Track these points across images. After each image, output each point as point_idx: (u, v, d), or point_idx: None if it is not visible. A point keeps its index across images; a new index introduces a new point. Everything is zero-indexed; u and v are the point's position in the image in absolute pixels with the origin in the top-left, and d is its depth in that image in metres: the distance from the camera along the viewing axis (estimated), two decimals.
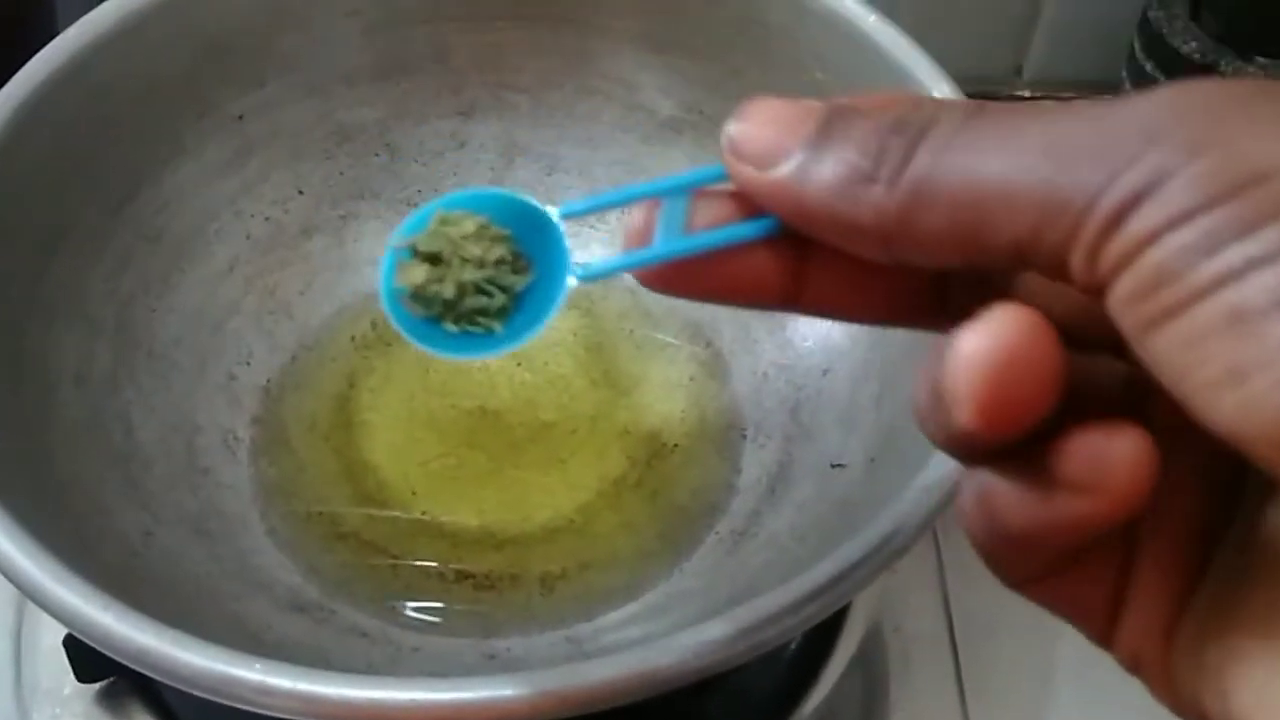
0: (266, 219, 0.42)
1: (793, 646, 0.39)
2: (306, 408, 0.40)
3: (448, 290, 0.21)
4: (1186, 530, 0.18)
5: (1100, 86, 0.55)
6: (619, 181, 0.44)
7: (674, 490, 0.39)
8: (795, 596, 0.26)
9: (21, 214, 0.35)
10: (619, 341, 0.42)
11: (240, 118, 0.41)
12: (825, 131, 0.18)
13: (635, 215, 0.20)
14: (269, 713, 0.26)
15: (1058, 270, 0.16)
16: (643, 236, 0.20)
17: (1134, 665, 0.18)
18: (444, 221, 0.21)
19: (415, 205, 0.44)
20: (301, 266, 0.42)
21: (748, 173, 0.18)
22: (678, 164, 0.43)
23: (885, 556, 0.27)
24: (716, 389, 0.41)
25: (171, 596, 0.32)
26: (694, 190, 0.20)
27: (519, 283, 0.21)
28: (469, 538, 0.38)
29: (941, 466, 0.28)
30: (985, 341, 0.15)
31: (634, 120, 0.43)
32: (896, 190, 0.17)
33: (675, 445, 0.40)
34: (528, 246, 0.21)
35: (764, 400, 0.40)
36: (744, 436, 0.39)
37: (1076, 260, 0.15)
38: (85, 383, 0.36)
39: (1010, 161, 0.16)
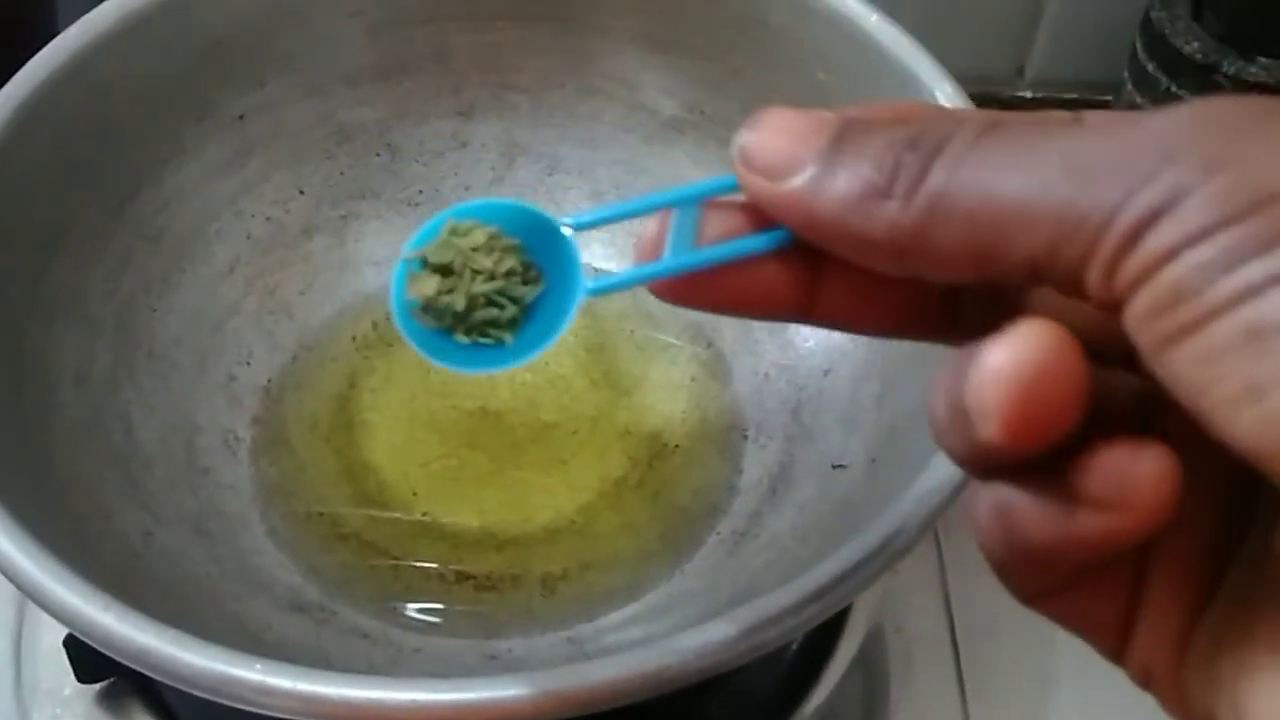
0: (267, 219, 0.42)
1: (794, 647, 0.38)
2: (307, 408, 0.40)
3: (458, 302, 0.21)
4: (1199, 545, 0.18)
5: (1102, 86, 0.55)
6: (620, 181, 0.44)
7: (675, 491, 0.39)
8: (797, 597, 0.26)
9: (21, 214, 0.35)
10: (620, 342, 0.42)
11: (241, 117, 0.41)
12: (838, 144, 0.18)
13: (649, 227, 0.20)
14: (269, 713, 0.25)
15: (1073, 286, 0.16)
16: (656, 248, 0.20)
17: (1145, 680, 0.18)
18: (454, 232, 0.21)
19: (416, 205, 0.44)
20: (302, 266, 0.42)
21: (759, 184, 0.18)
22: (679, 164, 0.43)
23: (887, 557, 0.27)
24: (718, 389, 0.41)
25: (172, 597, 0.32)
26: (704, 201, 0.20)
27: (530, 293, 0.21)
28: (470, 538, 0.38)
29: (943, 468, 0.28)
30: (1013, 356, 0.15)
31: (635, 120, 0.43)
32: (911, 206, 0.17)
33: (676, 446, 0.40)
34: (538, 256, 0.21)
35: (765, 401, 0.40)
36: (745, 437, 0.39)
37: (1093, 277, 0.15)
38: (85, 383, 0.36)
39: (1026, 179, 0.16)
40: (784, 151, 0.18)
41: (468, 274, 0.21)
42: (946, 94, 0.35)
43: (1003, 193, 0.16)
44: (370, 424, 0.40)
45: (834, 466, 0.36)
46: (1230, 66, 0.46)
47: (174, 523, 0.35)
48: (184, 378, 0.39)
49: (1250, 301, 0.14)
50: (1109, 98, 0.53)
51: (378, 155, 0.43)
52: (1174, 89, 0.47)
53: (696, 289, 0.20)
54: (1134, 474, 0.16)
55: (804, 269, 0.19)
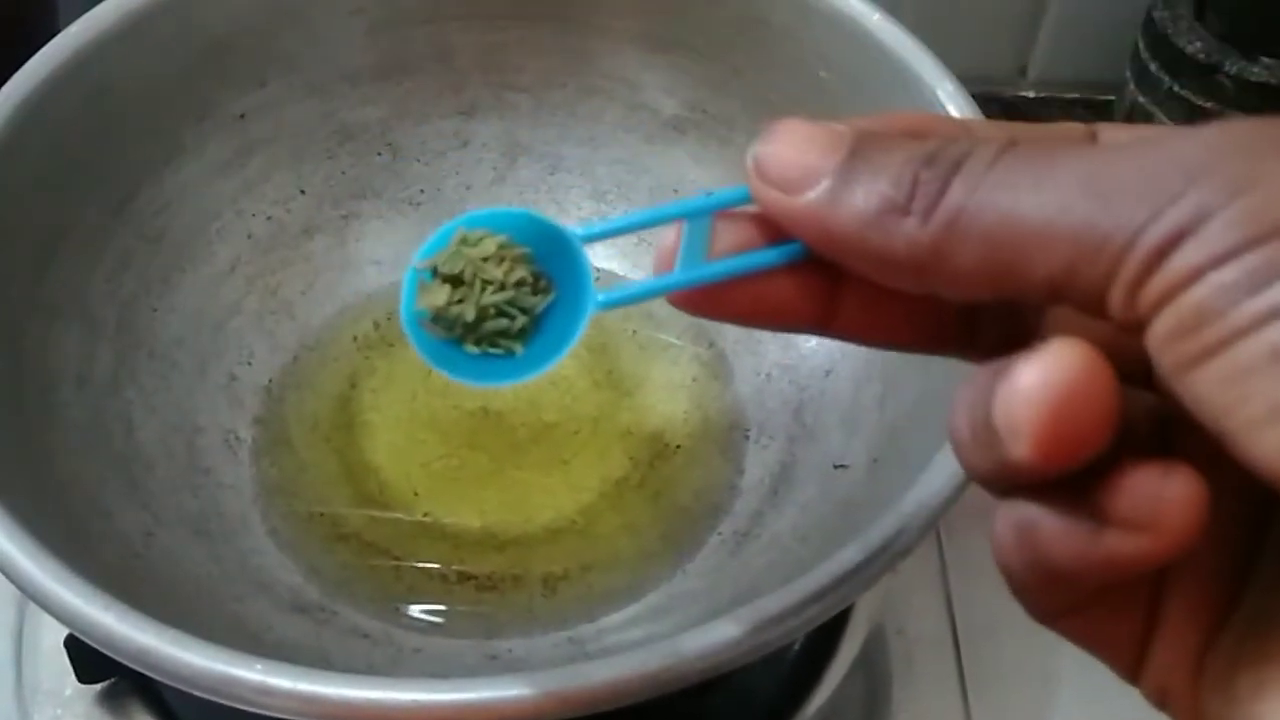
0: (268, 219, 0.42)
1: (796, 647, 0.38)
2: (308, 408, 0.40)
3: (469, 313, 0.21)
4: (1216, 565, 0.18)
5: (1104, 86, 0.55)
6: (622, 181, 0.44)
7: (676, 491, 0.39)
8: (798, 598, 0.26)
9: (22, 214, 0.35)
10: (622, 342, 0.42)
11: (241, 117, 0.41)
12: (854, 158, 0.18)
13: (666, 237, 0.20)
14: (269, 713, 0.25)
15: (1092, 306, 0.16)
16: (671, 260, 0.20)
17: (1161, 700, 0.18)
18: (464, 241, 0.21)
19: (417, 205, 0.44)
20: (303, 266, 0.42)
21: (774, 196, 0.18)
22: (681, 163, 0.43)
23: (888, 558, 0.27)
24: (719, 390, 0.41)
25: (172, 597, 0.32)
26: (717, 212, 0.20)
27: (540, 304, 0.21)
28: (471, 539, 0.38)
29: (944, 468, 0.28)
30: (1044, 375, 0.15)
31: (637, 120, 0.43)
32: (930, 224, 0.17)
33: (678, 446, 0.40)
34: (548, 266, 0.21)
35: (767, 401, 0.40)
36: (747, 437, 0.39)
37: (1115, 297, 0.15)
38: (86, 383, 0.36)
39: (1048, 199, 0.16)
40: (799, 164, 0.18)
41: (478, 284, 0.21)
42: (948, 93, 0.35)
43: (1022, 213, 0.16)
44: (371, 424, 0.40)
45: (836, 467, 0.36)
46: (1232, 66, 0.45)
47: (175, 523, 0.35)
48: (185, 378, 0.39)
49: (1275, 323, 0.14)
50: (1111, 97, 0.53)
51: (379, 155, 0.43)
52: (1176, 88, 0.47)
53: (711, 301, 0.20)
54: (1164, 496, 0.16)
55: (821, 283, 0.19)
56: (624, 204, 0.44)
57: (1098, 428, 0.16)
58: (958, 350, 0.20)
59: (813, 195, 0.18)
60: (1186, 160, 0.15)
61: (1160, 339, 0.15)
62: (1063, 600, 0.18)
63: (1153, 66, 0.48)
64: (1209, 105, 0.46)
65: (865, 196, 0.17)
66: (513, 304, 0.21)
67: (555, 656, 0.34)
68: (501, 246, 0.21)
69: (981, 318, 0.20)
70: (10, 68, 0.35)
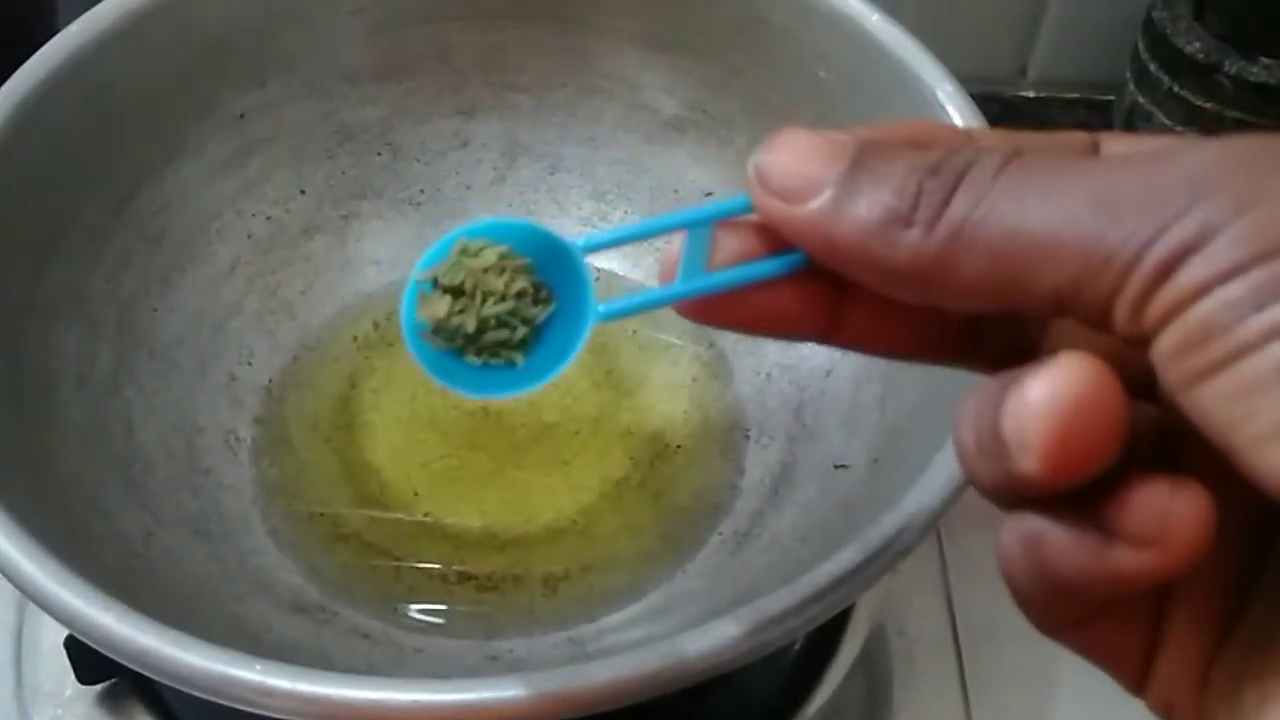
0: (268, 218, 0.42)
1: (796, 648, 0.38)
2: (308, 408, 0.40)
3: (469, 324, 0.21)
4: (1221, 578, 0.18)
5: (1104, 86, 0.55)
6: (622, 181, 0.43)
7: (677, 491, 0.39)
8: (799, 598, 0.26)
9: (21, 214, 0.35)
10: (622, 342, 0.42)
11: (241, 117, 0.41)
12: (856, 168, 0.18)
13: (670, 247, 0.20)
14: (269, 714, 0.25)
15: (1097, 320, 0.16)
16: (674, 270, 0.20)
17: (1167, 713, 0.18)
18: (465, 252, 0.21)
19: (417, 205, 0.44)
20: (303, 266, 0.42)
21: (776, 206, 0.18)
22: (680, 163, 0.43)
23: (889, 558, 0.27)
24: (719, 389, 0.41)
25: (172, 597, 0.32)
26: (718, 222, 0.20)
27: (541, 314, 0.21)
28: (471, 539, 0.38)
29: (944, 468, 0.28)
30: (1054, 390, 0.16)
31: (637, 120, 0.43)
32: (934, 235, 0.17)
33: (678, 446, 0.40)
34: (549, 276, 0.21)
35: (767, 401, 0.40)
36: (747, 437, 0.39)
37: (1120, 312, 0.16)
38: (86, 383, 0.36)
39: (1054, 212, 0.16)
40: (801, 174, 0.18)
41: (479, 295, 0.21)
42: (947, 93, 0.35)
43: (1028, 226, 0.16)
44: (371, 424, 0.40)
45: (836, 467, 0.36)
46: (1232, 66, 0.45)
47: (175, 523, 0.35)
48: (185, 378, 0.39)
49: None
50: (1111, 97, 0.53)
51: (379, 155, 0.43)
52: (1175, 88, 0.47)
53: (715, 310, 0.20)
54: (1172, 511, 0.16)
55: (824, 293, 0.19)
56: (624, 204, 0.44)
57: (1106, 442, 0.16)
58: (961, 360, 0.20)
59: (815, 205, 0.18)
60: (1192, 175, 0.15)
61: (1166, 354, 0.15)
62: (1068, 613, 0.18)
63: (1152, 66, 0.48)
64: (1208, 105, 0.46)
65: (868, 207, 0.17)
66: (514, 315, 0.21)
67: (555, 657, 0.34)
68: (502, 257, 0.21)
69: (985, 328, 0.20)
70: (9, 67, 0.35)
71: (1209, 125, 0.47)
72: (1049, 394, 0.16)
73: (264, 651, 0.26)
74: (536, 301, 0.21)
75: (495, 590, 0.36)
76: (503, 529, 0.38)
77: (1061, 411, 0.15)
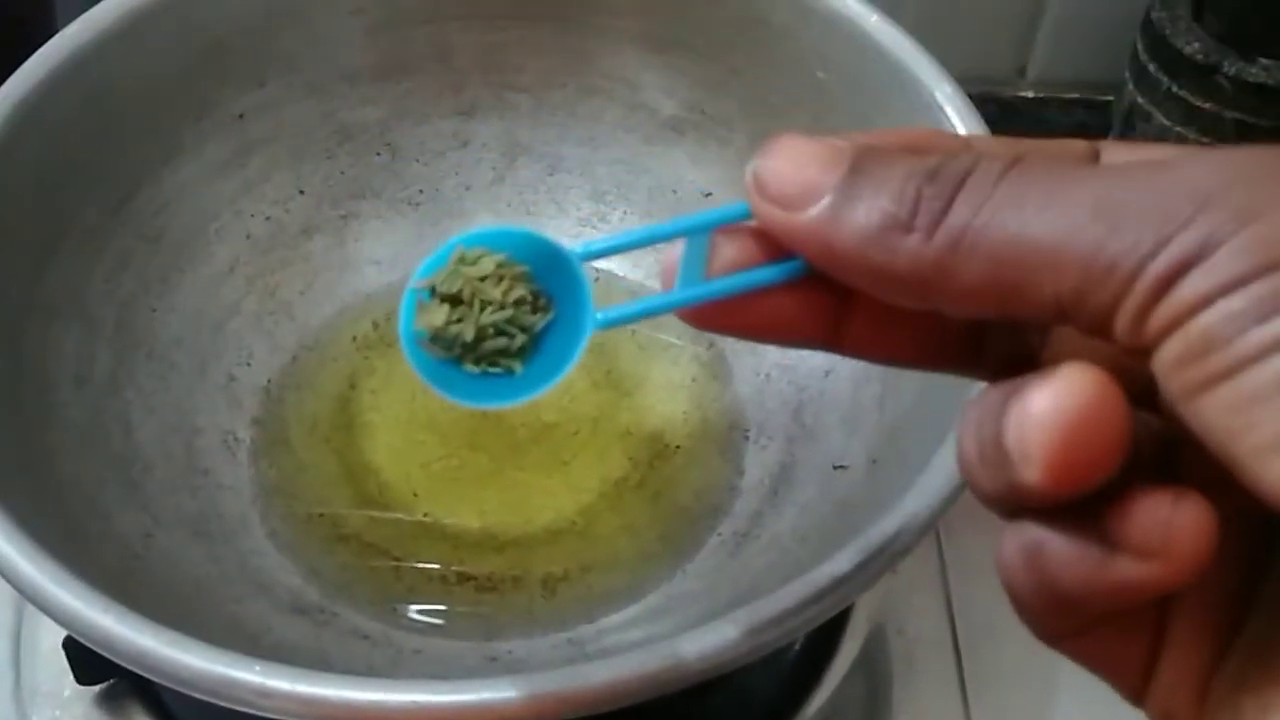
0: (267, 219, 0.42)
1: (796, 648, 0.38)
2: (307, 409, 0.40)
3: (467, 332, 0.21)
4: (1222, 588, 0.18)
5: (1103, 87, 0.55)
6: (621, 181, 0.43)
7: (676, 492, 0.39)
8: (798, 598, 0.26)
9: (20, 214, 0.35)
10: (621, 342, 0.42)
11: (240, 117, 0.41)
12: (855, 174, 0.18)
13: (670, 254, 0.20)
14: (269, 715, 0.25)
15: (1099, 329, 0.16)
16: (674, 277, 0.20)
17: None
18: (463, 260, 0.21)
19: (417, 205, 0.44)
20: (302, 266, 0.42)
21: (774, 213, 0.18)
22: (679, 164, 0.43)
23: (888, 558, 0.27)
24: (719, 390, 0.41)
25: (171, 598, 0.32)
26: (716, 228, 0.20)
27: (539, 322, 0.21)
28: (471, 540, 0.37)
29: (943, 468, 0.28)
30: (1057, 400, 0.16)
31: (636, 120, 0.43)
32: (934, 241, 0.17)
33: (677, 446, 0.40)
34: (547, 283, 0.21)
35: (766, 401, 0.40)
36: (746, 438, 0.39)
37: (1122, 322, 0.16)
38: (85, 384, 0.36)
39: (1056, 220, 0.16)
40: (799, 180, 0.18)
41: (477, 304, 0.21)
42: (946, 94, 0.35)
43: (1030, 234, 0.16)
44: (371, 424, 0.40)
45: (835, 467, 0.36)
46: (1231, 67, 0.45)
47: (174, 524, 0.35)
48: (184, 378, 0.39)
49: None
50: (1110, 98, 0.53)
51: (378, 155, 0.43)
52: (1174, 89, 0.47)
53: (715, 317, 0.20)
54: (1175, 523, 0.16)
55: (825, 300, 0.19)
56: (623, 204, 0.44)
57: (1110, 453, 0.16)
58: (962, 368, 0.20)
59: (813, 212, 0.18)
60: (1196, 186, 0.15)
61: (1167, 365, 0.15)
62: (1069, 623, 0.18)
63: (1151, 67, 0.48)
64: (1207, 106, 0.46)
65: (867, 213, 0.17)
66: (512, 323, 0.21)
67: (555, 657, 0.34)
68: (500, 265, 0.21)
69: (986, 335, 0.20)
70: (9, 68, 0.35)
71: (1208, 126, 0.47)
72: (1052, 405, 0.16)
73: (263, 652, 0.26)
74: (535, 309, 0.21)
75: (494, 591, 0.36)
76: (502, 529, 0.38)
77: (1064, 423, 0.15)
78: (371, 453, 0.39)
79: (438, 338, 0.21)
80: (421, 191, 0.44)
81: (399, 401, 0.40)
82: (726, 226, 0.20)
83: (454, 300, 0.21)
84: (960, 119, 0.35)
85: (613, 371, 0.41)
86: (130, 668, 0.26)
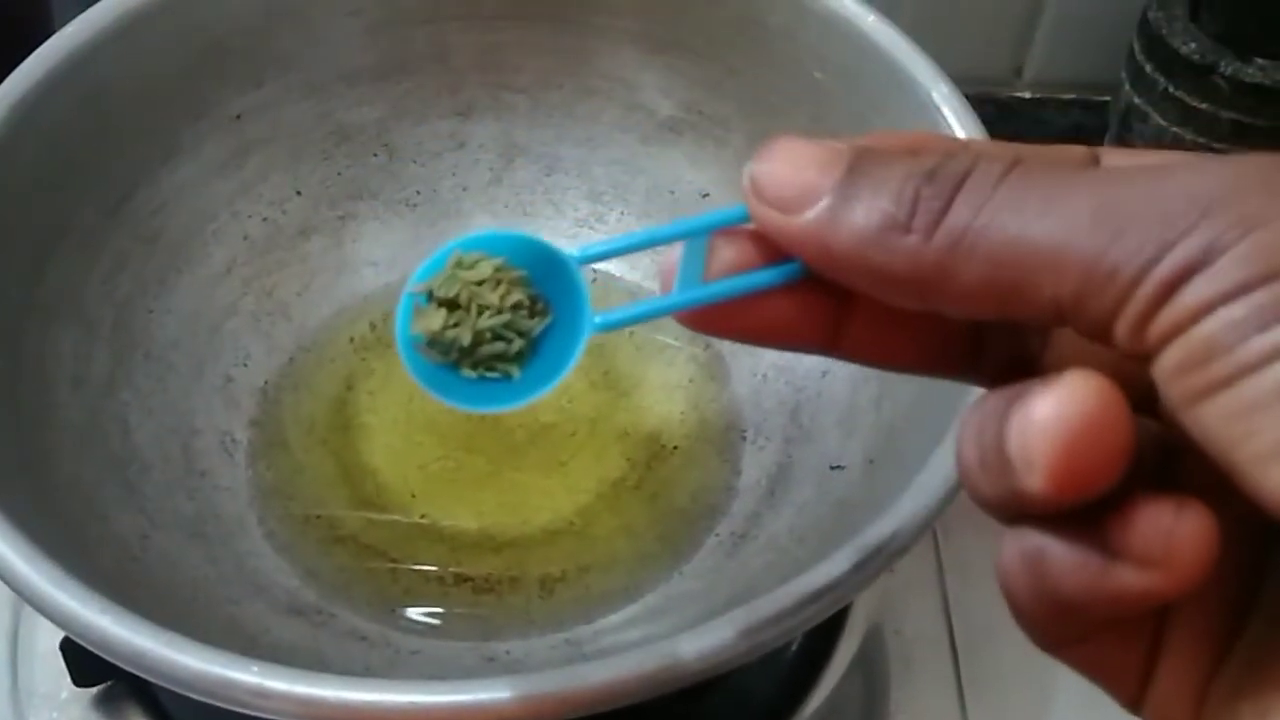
0: (264, 220, 0.42)
1: (793, 648, 0.38)
2: (304, 410, 0.40)
3: (464, 337, 0.21)
4: (1220, 594, 0.18)
5: (1100, 87, 0.55)
6: (618, 181, 0.43)
7: (674, 492, 0.39)
8: (795, 598, 0.26)
9: (18, 215, 0.35)
10: (619, 343, 0.42)
11: (238, 118, 0.41)
12: (852, 175, 0.18)
13: (669, 257, 0.20)
14: (266, 716, 0.25)
15: (1098, 333, 0.16)
16: (672, 280, 0.20)
17: None
18: (460, 264, 0.21)
19: (414, 206, 0.44)
20: (299, 267, 0.42)
21: (772, 216, 0.18)
22: (677, 164, 0.43)
23: (885, 558, 0.27)
24: (716, 390, 0.41)
25: (169, 600, 0.32)
26: (714, 231, 0.20)
27: (537, 326, 0.21)
28: (468, 541, 0.37)
29: (940, 468, 0.28)
30: (1059, 408, 0.15)
31: (633, 120, 0.43)
32: (933, 241, 0.17)
33: (675, 447, 0.40)
34: (545, 288, 0.21)
35: (763, 402, 0.40)
36: (743, 438, 0.39)
37: (1122, 327, 0.16)
38: (82, 385, 0.36)
39: (1057, 223, 0.16)
40: (797, 183, 0.18)
41: (474, 308, 0.21)
42: (943, 94, 0.35)
43: (1031, 236, 0.16)
44: (368, 426, 0.40)
45: (832, 467, 0.36)
46: (1227, 67, 0.45)
47: (171, 526, 0.35)
48: (181, 379, 0.39)
49: None
50: (1107, 98, 0.53)
51: (375, 156, 0.43)
52: (1171, 89, 0.47)
53: (713, 320, 0.20)
54: (1178, 533, 0.16)
55: (825, 304, 0.19)
56: (620, 205, 0.44)
57: (1113, 461, 0.16)
58: (963, 373, 0.20)
59: (811, 215, 0.18)
60: (1199, 194, 0.15)
61: (1168, 371, 0.15)
62: (1067, 631, 0.18)
63: (1148, 67, 0.48)
64: (1204, 106, 0.46)
65: (865, 214, 0.17)
66: (509, 327, 0.21)
67: (553, 658, 0.34)
68: (498, 269, 0.21)
69: (986, 339, 0.20)
70: (6, 69, 0.35)
71: (1204, 126, 0.47)
72: (1055, 412, 0.15)
73: (261, 653, 0.26)
74: (532, 314, 0.21)
75: (492, 592, 0.36)
76: (499, 530, 0.38)
77: (1068, 430, 0.15)
78: (369, 454, 0.39)
79: (434, 343, 0.21)
80: (419, 192, 0.44)
81: (396, 403, 0.40)
82: (725, 229, 0.20)
83: (451, 305, 0.21)
84: (957, 119, 0.35)
85: (610, 372, 0.41)
86: (128, 669, 0.26)
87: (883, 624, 0.41)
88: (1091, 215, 0.16)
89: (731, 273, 0.19)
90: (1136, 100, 0.49)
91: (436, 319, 0.21)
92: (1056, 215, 0.16)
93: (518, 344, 0.21)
